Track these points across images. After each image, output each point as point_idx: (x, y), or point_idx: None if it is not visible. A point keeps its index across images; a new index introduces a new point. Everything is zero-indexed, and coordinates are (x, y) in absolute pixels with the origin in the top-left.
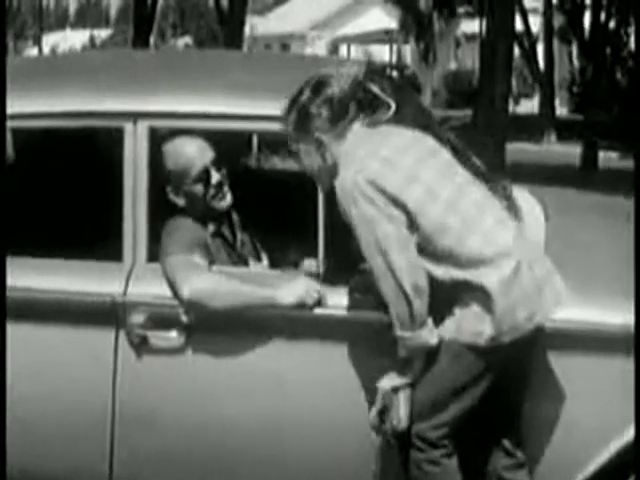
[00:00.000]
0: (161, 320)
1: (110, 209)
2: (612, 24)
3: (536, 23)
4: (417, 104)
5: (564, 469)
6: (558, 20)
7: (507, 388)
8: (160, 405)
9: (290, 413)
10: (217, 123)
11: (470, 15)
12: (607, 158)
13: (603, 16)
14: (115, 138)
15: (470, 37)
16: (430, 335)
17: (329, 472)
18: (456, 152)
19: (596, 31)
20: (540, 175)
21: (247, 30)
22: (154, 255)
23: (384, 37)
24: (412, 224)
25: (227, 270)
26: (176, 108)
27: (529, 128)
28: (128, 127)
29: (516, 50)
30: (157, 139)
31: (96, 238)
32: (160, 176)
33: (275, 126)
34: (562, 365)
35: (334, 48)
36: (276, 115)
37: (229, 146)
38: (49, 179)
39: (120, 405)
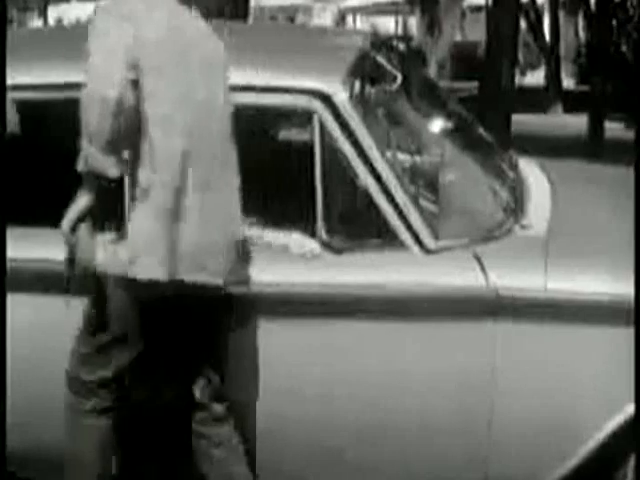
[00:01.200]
0: None
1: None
2: None
3: None
4: (423, 75)
5: (564, 442)
6: None
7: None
8: None
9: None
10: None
11: None
12: (613, 129)
13: None
14: None
15: (475, 9)
16: (109, 166)
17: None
18: (463, 123)
19: (602, 3)
20: (546, 146)
21: (253, 1)
22: None
23: (390, 8)
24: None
25: None
26: None
27: (535, 100)
28: None
29: (522, 22)
30: None
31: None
32: None
33: (283, 98)
34: (572, 335)
35: (340, 19)
36: (282, 86)
37: None
38: (53, 152)
39: None
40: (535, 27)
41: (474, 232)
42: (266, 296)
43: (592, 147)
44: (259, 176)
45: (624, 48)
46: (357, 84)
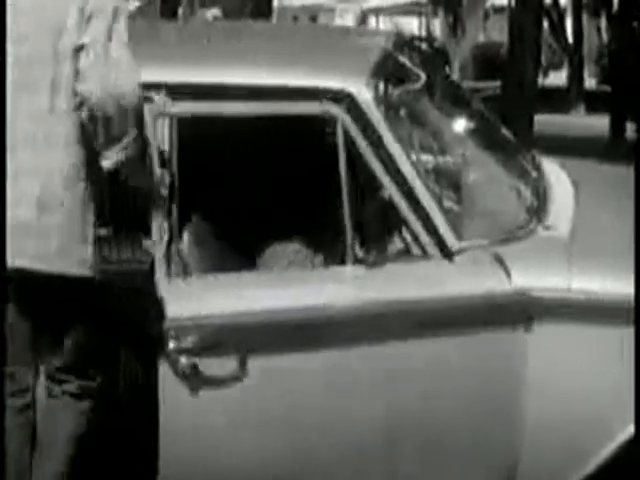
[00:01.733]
0: None
1: None
2: None
3: None
4: (446, 75)
5: (596, 443)
6: None
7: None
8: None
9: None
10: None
11: None
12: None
13: None
14: None
15: (499, 9)
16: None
17: None
18: (486, 123)
19: (625, 4)
20: (568, 147)
21: (275, 1)
22: None
23: (413, 9)
24: None
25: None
26: (200, 79)
27: (558, 100)
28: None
29: (545, 23)
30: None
31: None
32: None
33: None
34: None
35: (363, 20)
36: (304, 87)
37: None
38: None
39: None
40: (557, 28)
41: (497, 232)
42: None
43: (614, 148)
44: (285, 187)
45: None
46: (381, 84)
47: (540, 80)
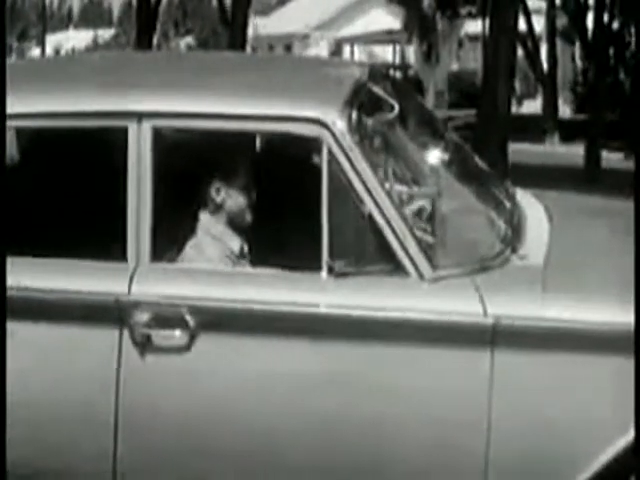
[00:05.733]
0: (165, 319)
1: (113, 208)
2: (615, 25)
3: (539, 23)
4: (419, 104)
5: (564, 468)
6: (561, 20)
7: None
8: (164, 404)
9: (300, 413)
10: (222, 123)
11: (473, 16)
12: (610, 159)
13: (606, 17)
14: (118, 137)
15: (473, 38)
16: None
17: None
18: (460, 153)
19: (599, 31)
20: (543, 176)
21: (250, 30)
22: (157, 255)
23: (387, 37)
24: None
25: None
26: (181, 108)
27: (532, 128)
28: (132, 127)
29: (519, 51)
30: (160, 139)
31: (100, 238)
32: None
33: (282, 126)
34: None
35: (337, 48)
36: (281, 115)
37: None
38: (55, 179)
39: (124, 404)
40: (532, 55)
41: (472, 262)
42: (266, 314)
43: (589, 176)
44: (265, 200)
45: (622, 76)
46: (354, 114)
47: (515, 108)
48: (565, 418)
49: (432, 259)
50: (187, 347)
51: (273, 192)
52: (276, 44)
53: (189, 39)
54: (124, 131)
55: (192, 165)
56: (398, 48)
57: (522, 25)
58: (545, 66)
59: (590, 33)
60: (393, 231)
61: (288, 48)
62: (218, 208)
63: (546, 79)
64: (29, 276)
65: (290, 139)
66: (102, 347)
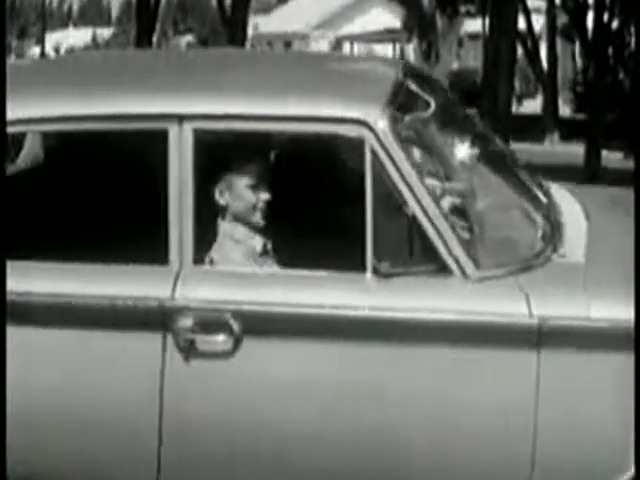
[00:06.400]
0: (210, 324)
1: (154, 211)
2: (615, 24)
3: (539, 22)
4: (451, 100)
5: (611, 470)
6: (561, 19)
7: None
8: (208, 410)
9: (346, 418)
10: (265, 125)
11: (472, 14)
12: (610, 158)
13: (606, 16)
14: (159, 140)
15: (473, 36)
16: None
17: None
18: (493, 148)
19: (599, 30)
20: (544, 175)
21: (250, 29)
22: (200, 258)
23: (387, 36)
24: None
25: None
26: (223, 110)
27: (532, 128)
28: (173, 129)
29: (519, 50)
30: (201, 141)
31: (141, 242)
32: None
33: (324, 127)
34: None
35: (337, 47)
36: (323, 116)
37: None
38: (95, 182)
39: (168, 410)
40: (532, 54)
41: (514, 261)
42: (312, 317)
43: (589, 175)
44: (310, 201)
45: (621, 75)
46: (396, 113)
47: (515, 108)
48: (612, 420)
49: (476, 259)
50: (232, 352)
51: (314, 193)
52: (276, 43)
53: (189, 38)
54: (165, 134)
55: (228, 166)
56: (398, 47)
57: (522, 24)
58: (545, 65)
59: (590, 32)
60: (437, 231)
61: (288, 46)
62: (256, 209)
63: (546, 78)
64: (71, 282)
65: (332, 140)
66: (145, 353)
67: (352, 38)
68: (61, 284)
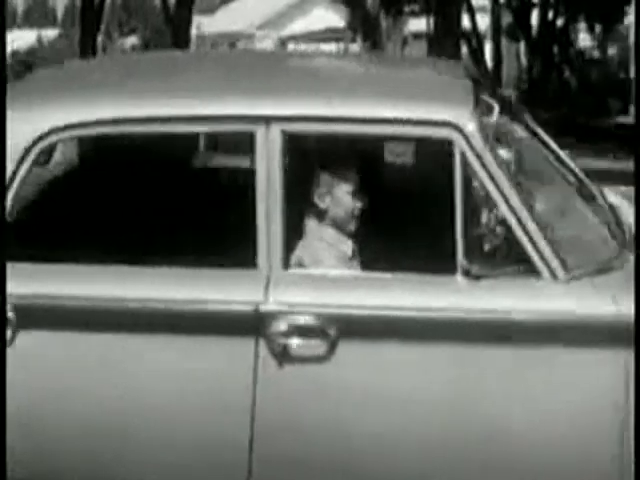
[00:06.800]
0: (304, 328)
1: (242, 214)
2: (560, 22)
3: (485, 21)
4: (509, 101)
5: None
6: (507, 19)
7: None
8: (302, 415)
9: (445, 420)
10: (353, 127)
11: (417, 14)
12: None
13: (551, 14)
14: (246, 141)
15: (417, 36)
16: None
17: None
18: (554, 150)
19: (544, 29)
20: None
21: (194, 29)
22: (289, 261)
23: (331, 35)
24: None
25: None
26: (312, 112)
27: None
28: (260, 131)
29: (464, 49)
30: (288, 143)
31: (228, 245)
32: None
33: (414, 130)
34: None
35: (282, 47)
36: (414, 118)
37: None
38: (179, 184)
39: (260, 416)
40: (477, 53)
41: (598, 262)
42: (407, 320)
43: None
44: (398, 203)
45: (567, 73)
46: (481, 115)
47: None
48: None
49: (563, 260)
50: (326, 356)
51: (403, 196)
52: (220, 42)
53: (133, 39)
54: (252, 136)
55: (327, 170)
56: (342, 46)
57: (467, 23)
58: (490, 64)
59: (535, 30)
60: (526, 232)
61: (232, 46)
62: (353, 215)
63: (491, 76)
64: (158, 287)
65: (420, 142)
66: (238, 358)
67: (296, 38)
68: (146, 289)
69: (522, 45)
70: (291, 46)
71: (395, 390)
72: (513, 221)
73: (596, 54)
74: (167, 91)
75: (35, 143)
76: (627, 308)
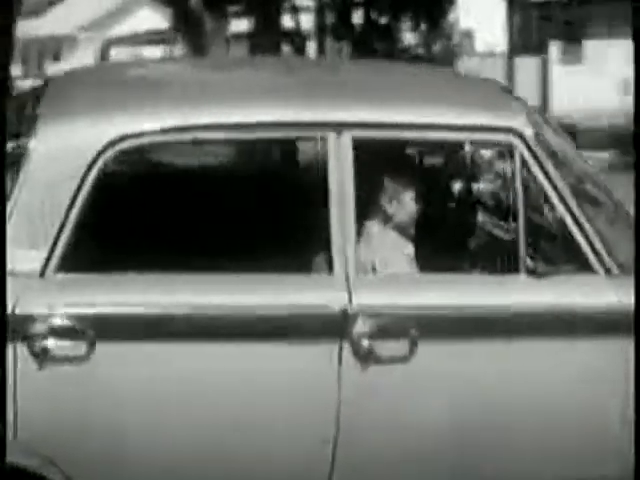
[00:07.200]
0: (387, 330)
1: (315, 219)
2: (384, 20)
3: (310, 21)
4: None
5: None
6: (330, 17)
7: None
8: (386, 417)
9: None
10: (421, 133)
11: (240, 14)
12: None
13: (375, 13)
14: (317, 148)
15: (239, 36)
16: None
17: None
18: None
19: (368, 27)
20: None
21: (20, 33)
22: (361, 265)
23: (155, 37)
24: None
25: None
26: (382, 118)
27: None
28: (332, 137)
29: (288, 47)
30: (358, 149)
31: (301, 250)
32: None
33: (479, 136)
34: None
35: (107, 49)
36: (479, 125)
37: None
38: (253, 189)
39: (344, 417)
40: (300, 52)
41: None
42: (481, 317)
43: None
44: (456, 208)
45: None
46: (535, 122)
47: None
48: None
49: (615, 257)
50: (408, 356)
51: (465, 198)
52: (46, 48)
53: None
54: (324, 141)
55: (393, 176)
56: (167, 48)
57: (290, 22)
58: None
59: (359, 29)
60: (582, 232)
61: (56, 57)
62: (415, 219)
63: None
64: (242, 293)
65: (481, 147)
66: (322, 360)
67: (120, 41)
68: (230, 295)
69: (346, 44)
70: (114, 52)
71: (477, 387)
72: (570, 221)
73: (421, 51)
74: (239, 98)
75: (105, 150)
76: None
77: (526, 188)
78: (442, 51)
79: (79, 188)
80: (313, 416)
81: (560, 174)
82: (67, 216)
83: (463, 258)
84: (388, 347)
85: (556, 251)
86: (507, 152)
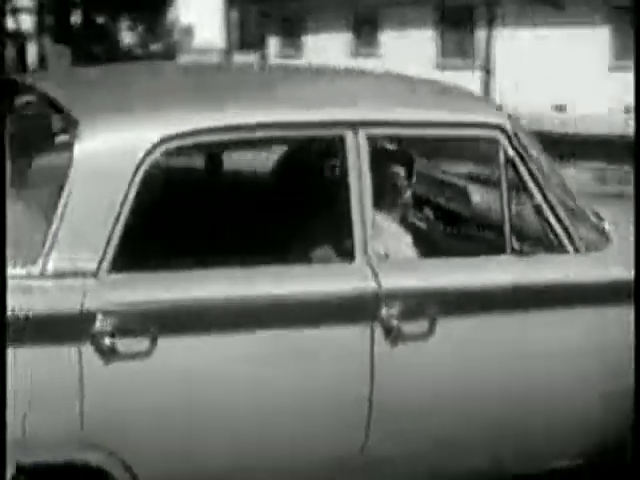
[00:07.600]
0: (412, 311)
1: (336, 214)
2: (101, 20)
3: (31, 22)
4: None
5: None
6: (49, 19)
7: None
8: (416, 393)
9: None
10: (424, 130)
11: None
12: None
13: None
14: (333, 146)
15: None
16: None
17: None
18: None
19: (86, 29)
20: None
21: None
22: (375, 253)
23: None
24: None
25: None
26: (395, 117)
27: None
28: (349, 135)
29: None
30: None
31: (325, 242)
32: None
33: (469, 132)
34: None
35: None
36: (470, 122)
37: None
38: (278, 186)
39: (377, 395)
40: (20, 53)
41: (600, 242)
42: (485, 292)
43: None
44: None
45: None
46: (512, 120)
47: None
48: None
49: (584, 239)
50: (429, 335)
51: (449, 190)
52: None
53: None
54: (341, 140)
55: (399, 171)
56: None
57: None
58: (35, 63)
59: (78, 31)
60: (556, 216)
61: None
62: (410, 210)
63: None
64: (286, 283)
65: (469, 142)
66: (355, 342)
67: None
68: (262, 286)
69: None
70: None
71: (496, 358)
72: (546, 207)
73: (139, 51)
74: (266, 100)
75: (152, 150)
76: (621, 273)
77: (510, 177)
78: (163, 49)
79: (128, 188)
80: (347, 397)
81: (539, 164)
82: (118, 218)
83: (456, 243)
84: (413, 326)
85: (534, 233)
86: (493, 146)
